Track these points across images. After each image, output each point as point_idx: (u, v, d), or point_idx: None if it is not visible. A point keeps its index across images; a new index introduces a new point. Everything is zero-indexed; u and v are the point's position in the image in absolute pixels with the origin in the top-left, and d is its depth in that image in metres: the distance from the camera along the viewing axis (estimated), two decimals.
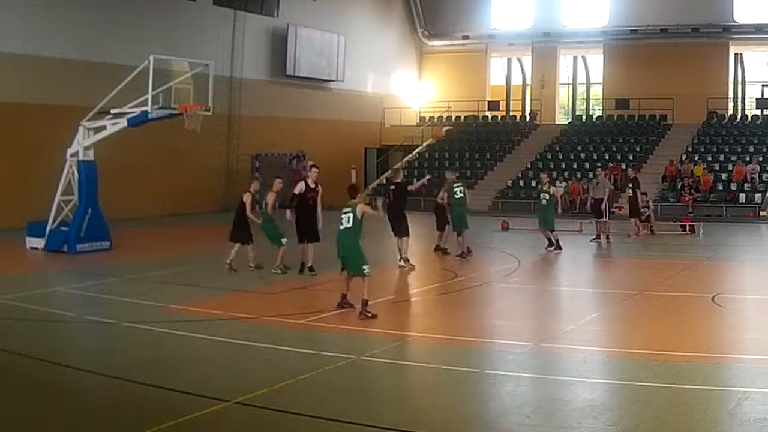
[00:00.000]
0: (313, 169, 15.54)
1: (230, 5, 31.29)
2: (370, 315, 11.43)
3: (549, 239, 19.44)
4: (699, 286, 15.12)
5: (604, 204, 21.29)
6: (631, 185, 23.24)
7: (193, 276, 15.51)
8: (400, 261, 16.63)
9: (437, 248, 18.55)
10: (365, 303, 11.50)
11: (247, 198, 15.73)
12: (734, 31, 35.23)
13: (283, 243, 15.62)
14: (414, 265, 16.77)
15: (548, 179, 20.41)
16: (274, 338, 10.45)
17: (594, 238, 21.41)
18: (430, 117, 40.04)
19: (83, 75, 24.64)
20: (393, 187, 17.96)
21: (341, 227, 11.69)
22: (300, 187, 15.35)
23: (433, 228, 19.04)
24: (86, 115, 18.90)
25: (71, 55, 25.09)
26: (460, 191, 18.18)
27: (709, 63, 34.91)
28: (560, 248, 19.28)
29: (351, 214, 11.63)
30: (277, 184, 15.97)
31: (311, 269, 15.31)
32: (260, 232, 15.93)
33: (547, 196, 19.46)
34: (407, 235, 16.77)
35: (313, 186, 15.25)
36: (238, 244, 15.81)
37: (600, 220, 21.35)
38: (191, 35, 28.72)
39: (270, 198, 15.62)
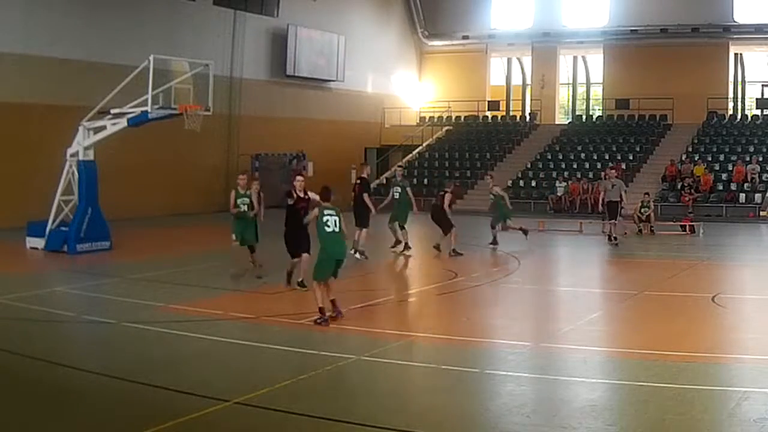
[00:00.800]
0: (297, 178, 14.30)
1: (230, 5, 31.26)
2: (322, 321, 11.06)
3: (524, 231, 20.34)
4: (699, 286, 15.13)
5: (620, 206, 21.10)
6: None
7: (193, 276, 15.51)
8: (355, 253, 16.85)
9: (452, 252, 18.27)
10: (323, 310, 11.14)
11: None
12: (734, 31, 35.20)
13: (235, 238, 14.89)
14: (368, 257, 17.26)
15: (491, 180, 21.77)
16: (274, 338, 10.45)
17: (609, 240, 21.20)
18: (430, 117, 40.07)
19: (83, 75, 24.59)
20: (359, 180, 18.28)
21: (328, 230, 11.13)
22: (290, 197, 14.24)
23: (431, 229, 19.01)
24: (86, 115, 18.90)
25: (71, 55, 25.05)
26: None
27: (709, 63, 34.89)
28: (496, 243, 19.84)
29: (337, 218, 11.25)
30: (240, 180, 15.38)
31: (301, 284, 13.65)
32: (263, 232, 15.79)
33: (492, 197, 20.41)
34: (366, 226, 17.33)
35: (301, 195, 13.95)
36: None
37: (612, 221, 21.13)
38: (191, 35, 28.69)
39: (231, 197, 15.10)
